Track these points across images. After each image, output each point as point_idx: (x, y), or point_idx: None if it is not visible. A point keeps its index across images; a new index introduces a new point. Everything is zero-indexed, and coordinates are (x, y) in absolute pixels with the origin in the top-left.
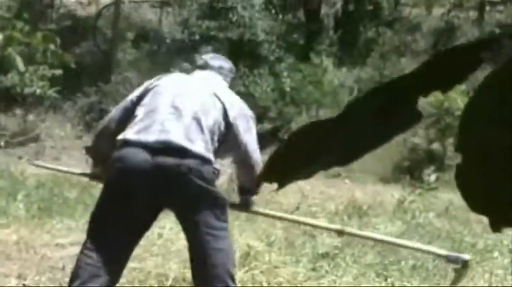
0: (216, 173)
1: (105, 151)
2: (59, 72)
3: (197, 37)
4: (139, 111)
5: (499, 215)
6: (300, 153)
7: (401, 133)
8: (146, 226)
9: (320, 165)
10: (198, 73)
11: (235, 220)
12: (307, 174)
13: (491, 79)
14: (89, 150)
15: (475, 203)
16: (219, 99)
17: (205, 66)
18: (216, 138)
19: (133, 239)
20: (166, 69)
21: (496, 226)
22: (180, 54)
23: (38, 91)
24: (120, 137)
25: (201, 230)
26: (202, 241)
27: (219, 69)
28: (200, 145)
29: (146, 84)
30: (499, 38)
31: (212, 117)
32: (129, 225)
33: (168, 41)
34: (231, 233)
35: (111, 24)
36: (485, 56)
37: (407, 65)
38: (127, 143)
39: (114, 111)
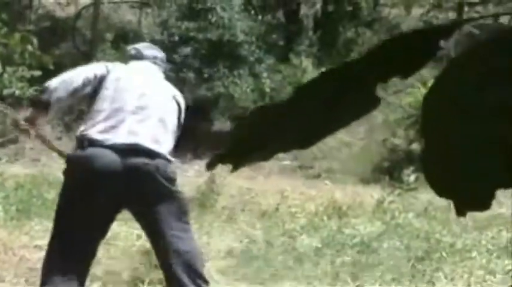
0: (175, 173)
1: (54, 103)
2: (38, 73)
3: (176, 38)
4: (103, 105)
5: (464, 199)
6: (253, 135)
7: (359, 118)
8: (108, 226)
9: (276, 148)
10: (134, 64)
11: (215, 221)
12: (262, 156)
13: (455, 65)
14: (39, 97)
15: (440, 187)
16: (176, 100)
17: (139, 57)
18: (174, 137)
19: (97, 239)
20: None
21: (461, 210)
22: None
23: (17, 92)
24: (83, 134)
25: (164, 231)
26: (165, 242)
27: (154, 59)
28: (165, 147)
29: (100, 69)
30: (458, 24)
31: (173, 119)
32: (94, 225)
33: (147, 41)
34: (211, 234)
35: (91, 25)
36: (443, 43)
37: None
38: (91, 142)
39: (72, 77)
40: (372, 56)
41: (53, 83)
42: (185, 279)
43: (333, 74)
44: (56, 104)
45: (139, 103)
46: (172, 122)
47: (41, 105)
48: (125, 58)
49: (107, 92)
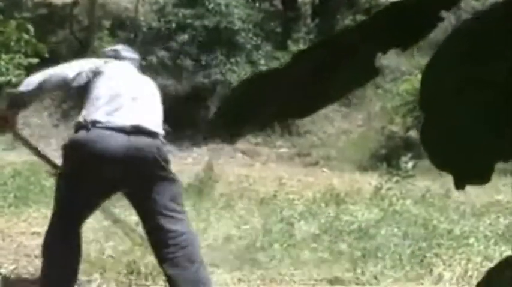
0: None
1: (32, 99)
2: (35, 60)
3: (173, 25)
4: (100, 93)
5: (463, 171)
6: (247, 102)
7: (354, 89)
8: (99, 205)
9: (270, 116)
10: (115, 62)
11: (213, 207)
12: (258, 124)
13: (451, 39)
14: (17, 95)
15: (439, 159)
16: (157, 89)
17: (119, 57)
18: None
19: (85, 219)
20: (142, 57)
21: (461, 182)
22: (156, 43)
23: (14, 80)
24: (85, 118)
25: (158, 211)
26: (159, 222)
27: (132, 60)
28: (161, 130)
29: (94, 63)
30: None
31: (160, 108)
32: (89, 204)
33: (144, 29)
34: (208, 221)
35: (88, 12)
36: (444, 13)
37: None
38: (95, 124)
39: (62, 70)
40: (368, 25)
41: (31, 78)
42: (181, 259)
43: (326, 42)
44: (33, 97)
45: (133, 92)
46: (160, 111)
47: (15, 101)
48: (103, 58)
49: (101, 79)
